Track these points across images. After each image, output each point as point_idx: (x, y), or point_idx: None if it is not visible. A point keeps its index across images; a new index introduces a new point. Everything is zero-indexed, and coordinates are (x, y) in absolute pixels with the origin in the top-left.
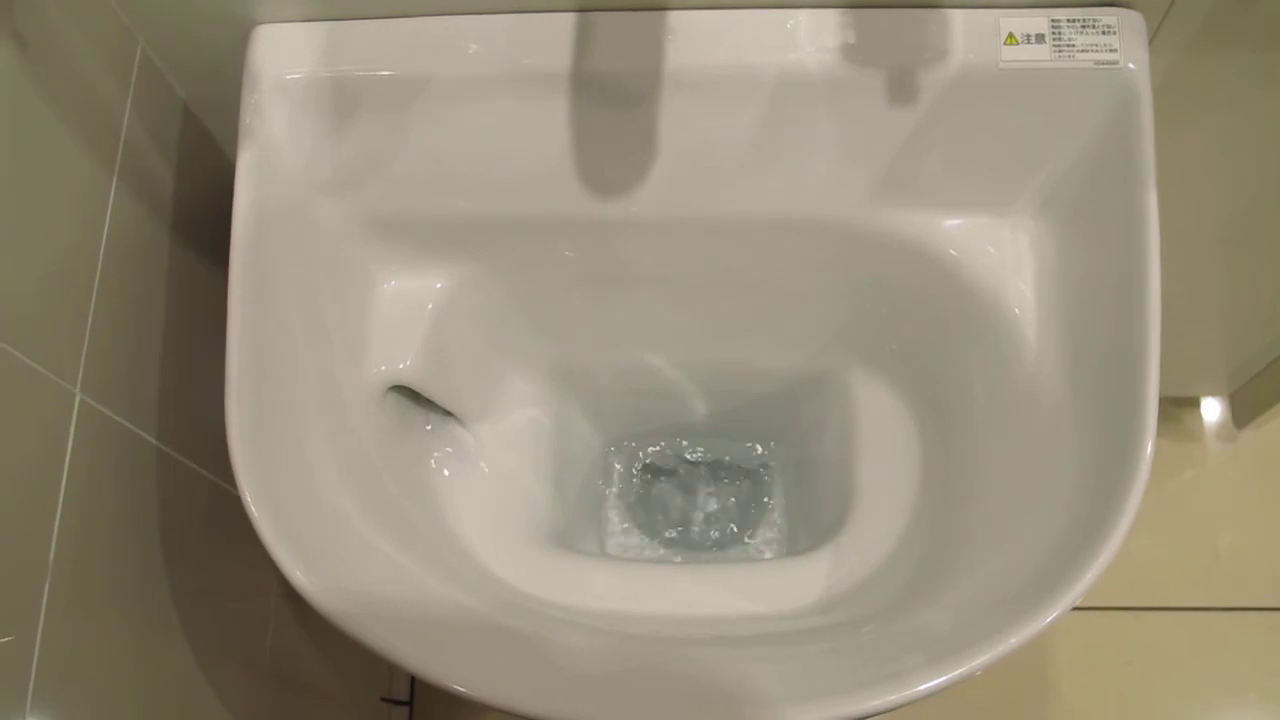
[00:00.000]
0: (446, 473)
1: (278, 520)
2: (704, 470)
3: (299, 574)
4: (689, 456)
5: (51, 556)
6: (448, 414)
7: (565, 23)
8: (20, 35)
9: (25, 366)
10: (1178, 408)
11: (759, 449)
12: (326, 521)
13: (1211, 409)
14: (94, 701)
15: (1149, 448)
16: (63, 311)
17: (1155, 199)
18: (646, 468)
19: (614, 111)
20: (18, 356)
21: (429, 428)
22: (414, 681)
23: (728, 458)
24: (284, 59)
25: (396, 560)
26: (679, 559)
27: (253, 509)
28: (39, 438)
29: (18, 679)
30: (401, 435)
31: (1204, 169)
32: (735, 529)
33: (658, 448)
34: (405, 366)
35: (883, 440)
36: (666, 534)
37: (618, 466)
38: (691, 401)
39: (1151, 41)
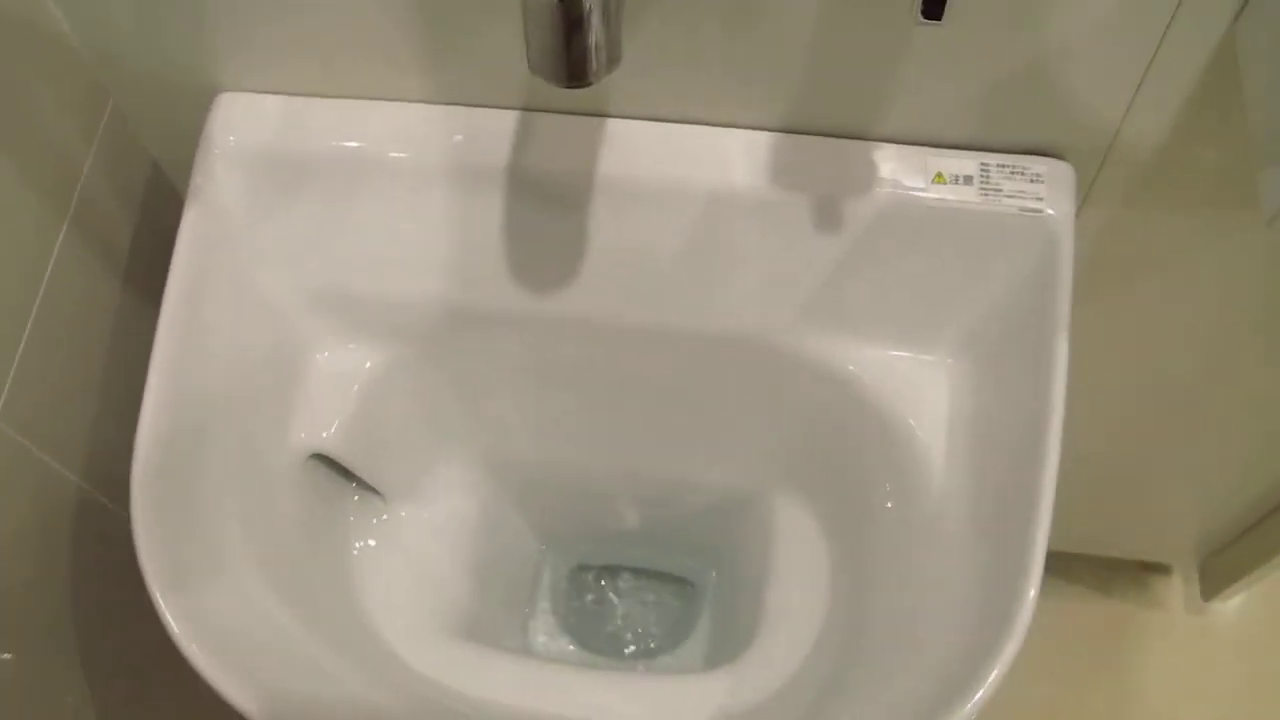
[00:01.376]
0: (369, 544)
1: (183, 605)
2: (637, 580)
3: (208, 668)
4: (624, 564)
5: None
6: (372, 490)
7: (510, 119)
8: None
9: None
10: (1147, 573)
11: (690, 563)
12: (232, 598)
13: (1182, 578)
14: None
15: (1031, 592)
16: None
17: (1065, 347)
18: (579, 569)
19: (550, 211)
20: None
21: (355, 499)
22: None
23: (661, 568)
24: (241, 126)
25: (305, 646)
26: (601, 664)
27: (156, 595)
28: None
29: None
30: (321, 506)
31: (1153, 325)
32: (654, 645)
33: (591, 548)
34: (328, 436)
35: (795, 562)
36: (590, 641)
37: (548, 567)
38: (624, 509)
39: (1089, 193)
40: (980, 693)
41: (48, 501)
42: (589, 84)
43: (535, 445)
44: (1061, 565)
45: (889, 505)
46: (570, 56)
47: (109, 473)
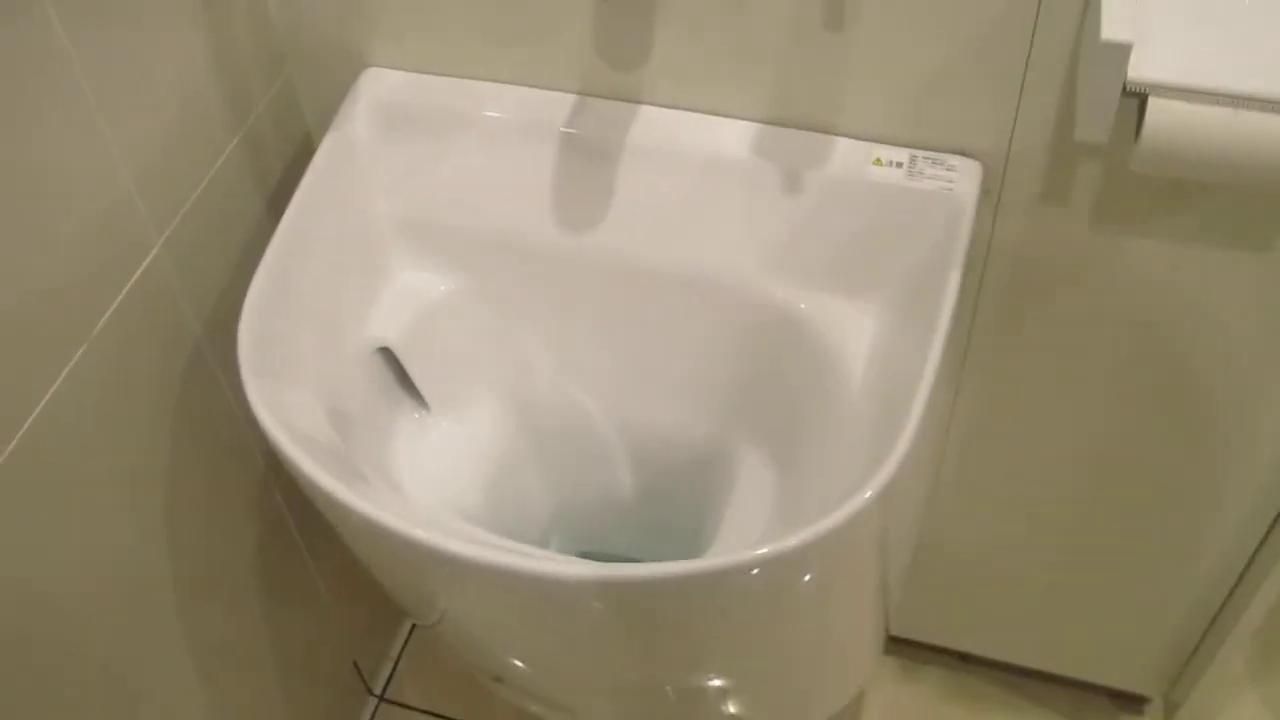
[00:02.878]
0: (406, 435)
1: (264, 389)
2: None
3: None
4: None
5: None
6: (419, 397)
7: (570, 99)
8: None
9: (128, 195)
10: (1117, 707)
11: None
12: (300, 406)
13: (1154, 713)
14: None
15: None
16: (181, 167)
17: (957, 281)
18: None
19: (590, 168)
20: (128, 186)
21: (405, 396)
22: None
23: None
24: (377, 88)
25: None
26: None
27: (247, 378)
28: (102, 262)
29: None
30: (376, 390)
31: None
32: None
33: (593, 532)
34: (394, 336)
35: (750, 492)
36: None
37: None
38: (621, 472)
39: (1001, 195)
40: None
41: (173, 344)
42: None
43: (551, 389)
44: (1036, 689)
45: (817, 415)
46: None
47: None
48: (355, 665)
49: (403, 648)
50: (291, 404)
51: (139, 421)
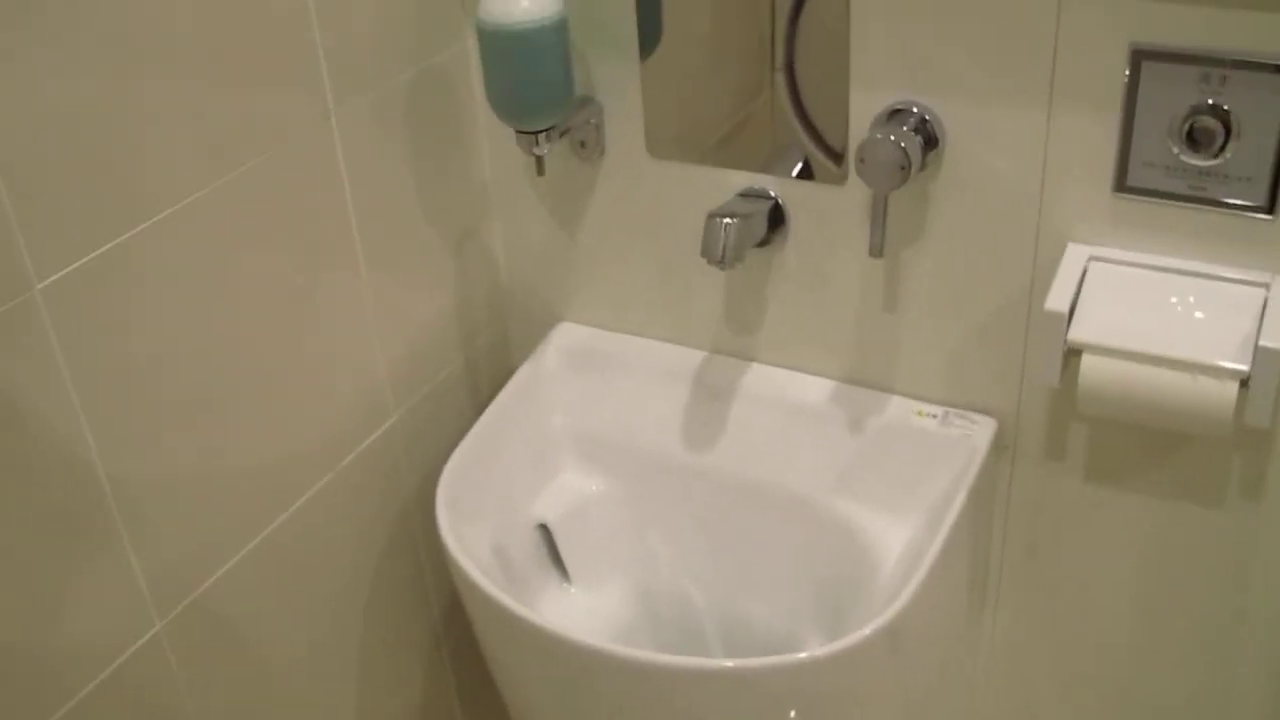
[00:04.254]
0: (549, 603)
1: (454, 528)
2: None
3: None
4: None
5: None
6: (565, 572)
7: (701, 355)
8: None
9: (380, 380)
10: None
11: None
12: (476, 548)
13: None
14: None
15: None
16: (419, 371)
17: (963, 499)
18: None
19: (712, 405)
20: (380, 374)
21: (553, 567)
22: None
23: None
24: (566, 335)
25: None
26: None
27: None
28: (355, 419)
29: None
30: (533, 560)
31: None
32: None
33: None
34: (552, 518)
35: None
36: None
37: None
38: (713, 650)
39: (1016, 453)
40: None
41: (389, 498)
42: (718, 264)
43: (669, 579)
44: None
45: (861, 598)
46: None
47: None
48: None
49: None
50: (471, 545)
51: (351, 552)
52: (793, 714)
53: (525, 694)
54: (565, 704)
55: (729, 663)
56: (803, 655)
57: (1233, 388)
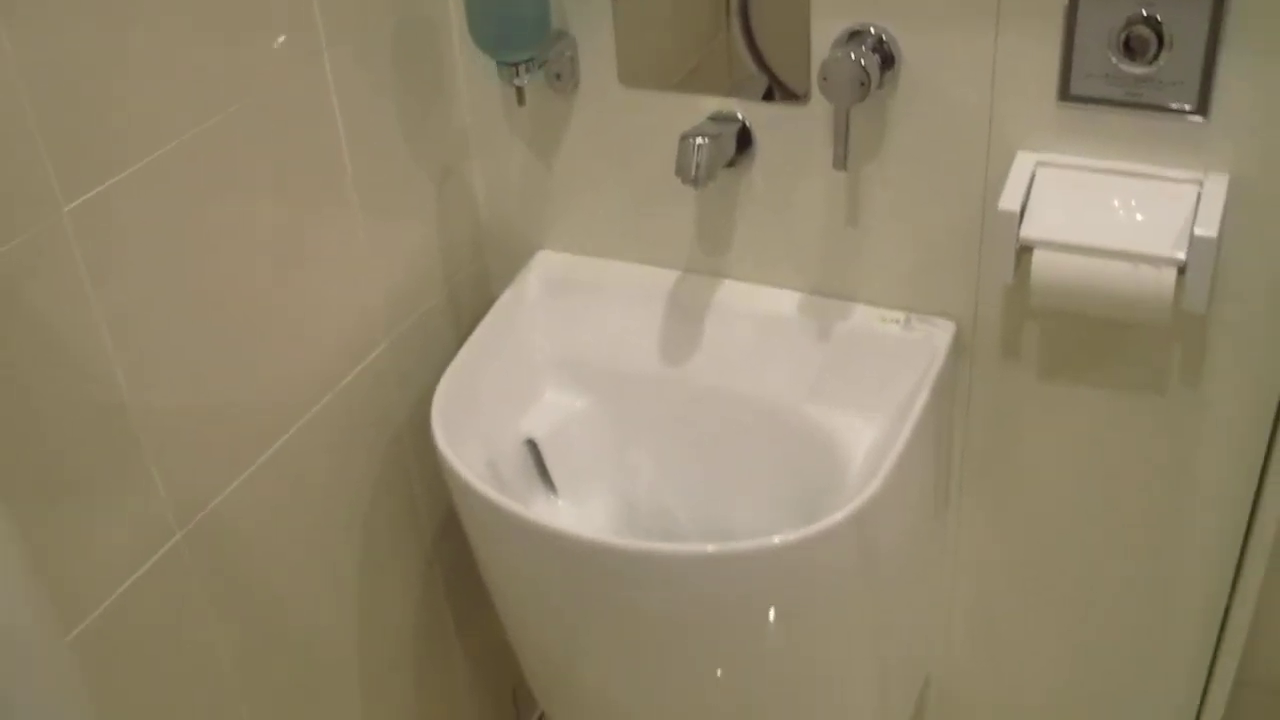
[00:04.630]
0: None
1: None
2: None
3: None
4: None
5: None
6: (551, 485)
7: (676, 274)
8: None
9: (376, 304)
10: None
11: None
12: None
13: None
14: None
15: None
16: (407, 300)
17: (925, 396)
18: None
19: (684, 322)
20: (378, 300)
21: (540, 482)
22: None
23: None
24: (544, 264)
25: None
26: None
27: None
28: (352, 338)
29: None
30: (521, 474)
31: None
32: None
33: None
34: (538, 435)
35: None
36: None
37: None
38: None
39: (975, 355)
40: None
41: (383, 422)
42: (691, 183)
43: (649, 489)
44: None
45: (830, 492)
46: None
47: (420, 429)
48: None
49: None
50: (465, 457)
51: (348, 473)
52: (772, 612)
53: (518, 598)
54: (556, 602)
55: (710, 547)
56: (777, 539)
57: (1171, 274)
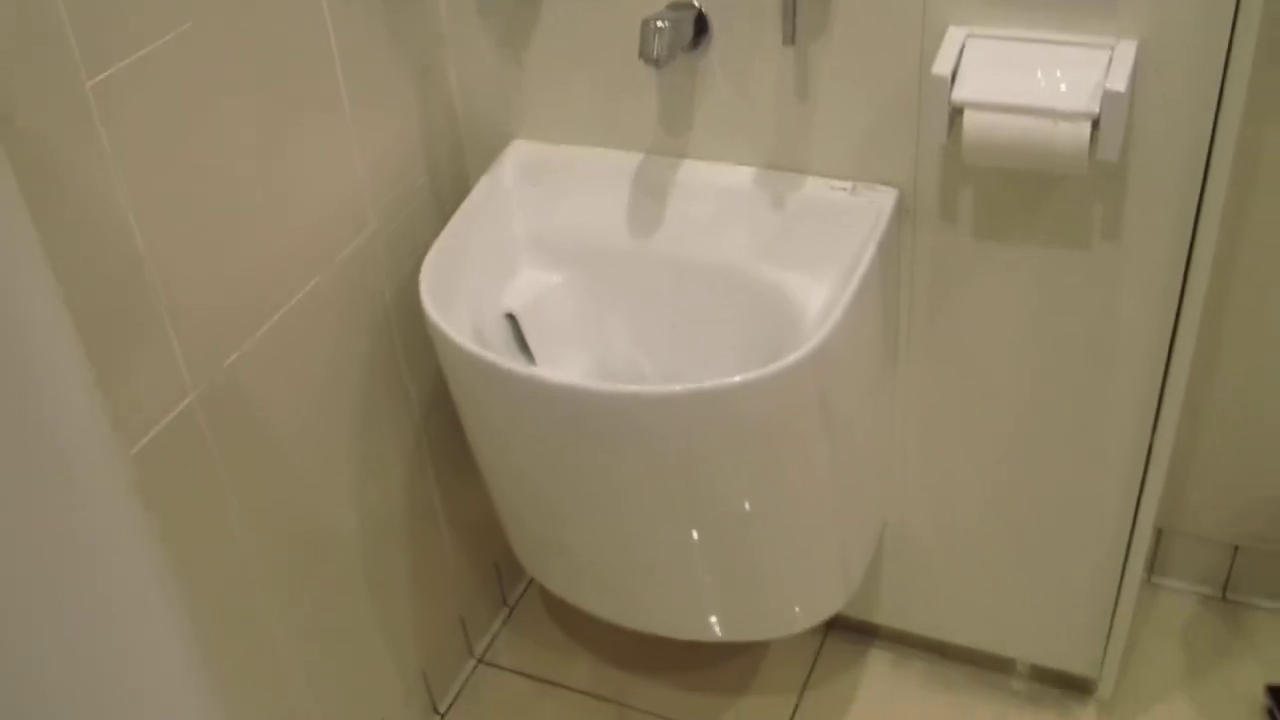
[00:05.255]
0: None
1: (439, 310)
2: None
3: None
4: None
5: None
6: (530, 355)
7: (640, 156)
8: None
9: (360, 189)
10: (1065, 695)
11: None
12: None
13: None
14: None
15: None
16: (393, 185)
17: (871, 252)
18: None
19: (651, 199)
20: (361, 184)
21: (520, 352)
22: None
23: None
24: (519, 151)
25: None
26: None
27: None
28: (341, 221)
29: None
30: (502, 346)
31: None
32: None
33: None
34: (517, 308)
35: None
36: None
37: None
38: None
39: (916, 218)
40: None
41: (371, 301)
42: (653, 64)
43: (622, 353)
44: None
45: (789, 344)
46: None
47: (406, 309)
48: (462, 622)
49: (508, 616)
50: (452, 324)
51: (342, 344)
52: (739, 454)
53: (501, 457)
54: (538, 455)
55: (677, 386)
56: (738, 378)
57: (1085, 127)
